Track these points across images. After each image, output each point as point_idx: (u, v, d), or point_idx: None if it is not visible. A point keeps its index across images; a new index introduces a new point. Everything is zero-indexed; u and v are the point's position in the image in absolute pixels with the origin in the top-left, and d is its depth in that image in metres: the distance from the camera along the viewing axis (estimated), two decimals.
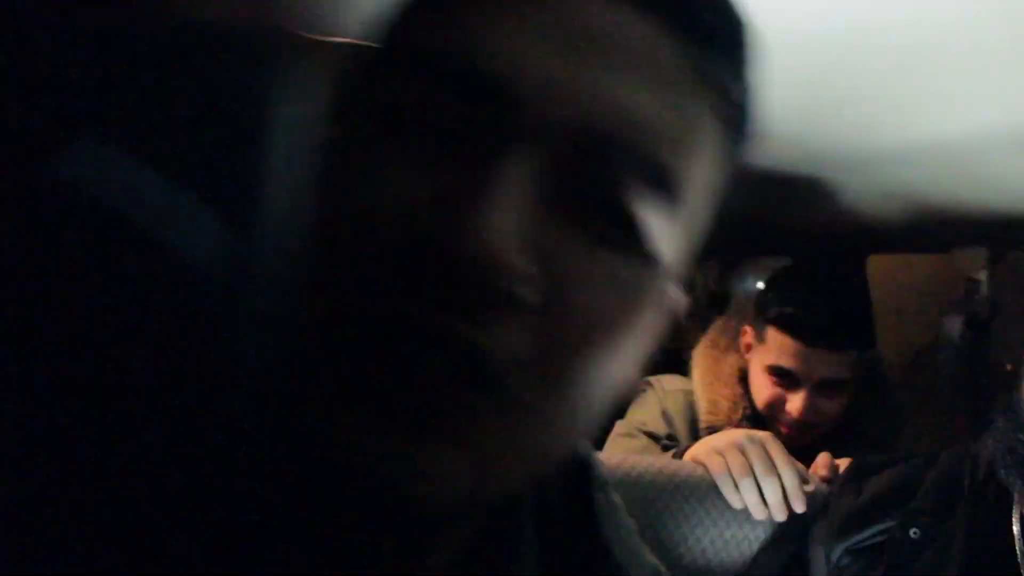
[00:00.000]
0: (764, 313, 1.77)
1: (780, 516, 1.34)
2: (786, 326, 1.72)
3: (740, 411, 1.80)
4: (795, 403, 1.72)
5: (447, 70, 0.47)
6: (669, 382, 1.92)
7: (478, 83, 0.46)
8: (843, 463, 1.49)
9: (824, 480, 1.45)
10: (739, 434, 1.43)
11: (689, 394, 1.89)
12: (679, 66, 0.49)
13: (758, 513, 1.36)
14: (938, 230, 1.80)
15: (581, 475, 0.65)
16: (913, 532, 1.22)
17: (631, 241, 0.48)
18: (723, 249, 2.32)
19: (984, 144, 1.35)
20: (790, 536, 1.37)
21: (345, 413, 0.44)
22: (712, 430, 1.73)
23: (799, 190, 1.83)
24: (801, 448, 1.62)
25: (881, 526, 1.25)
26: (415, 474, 0.44)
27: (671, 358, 1.98)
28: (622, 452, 1.76)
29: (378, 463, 0.44)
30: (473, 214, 0.43)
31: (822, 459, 1.50)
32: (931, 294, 2.04)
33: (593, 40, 0.47)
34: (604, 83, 0.47)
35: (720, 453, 1.40)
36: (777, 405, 1.75)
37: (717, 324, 1.98)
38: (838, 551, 1.27)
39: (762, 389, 1.77)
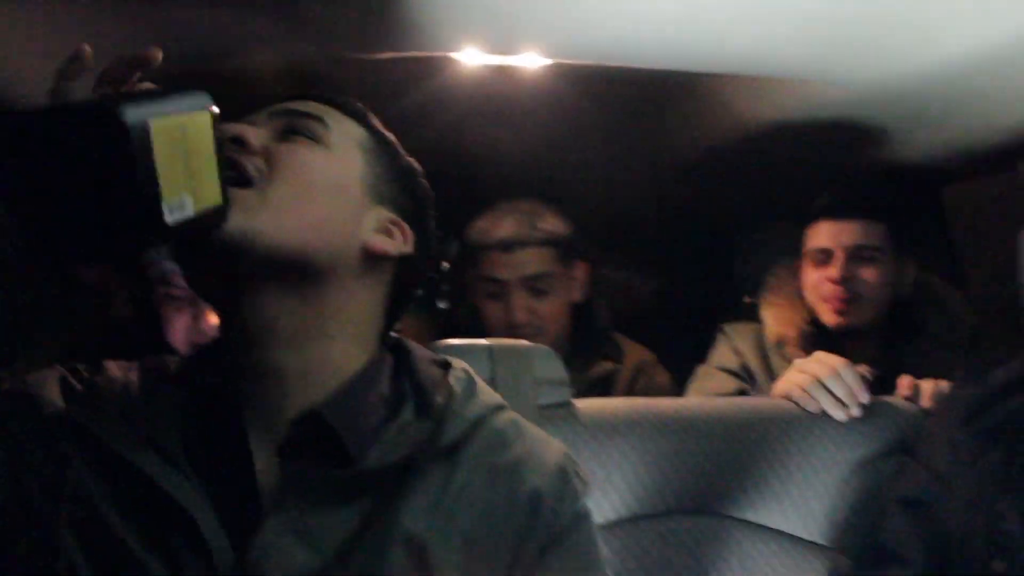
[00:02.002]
0: (809, 215, 2.00)
1: (855, 410, 1.48)
2: (819, 212, 1.97)
3: (801, 316, 1.99)
4: (832, 271, 1.92)
5: None
6: (738, 326, 2.10)
7: None
8: (926, 384, 1.56)
9: (907, 398, 1.58)
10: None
11: (756, 329, 2.06)
12: None
13: (836, 413, 1.49)
14: (1003, 148, 1.80)
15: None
16: None
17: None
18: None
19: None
20: (888, 448, 1.49)
21: None
22: (780, 343, 1.97)
23: (864, 132, 1.86)
24: (860, 338, 1.91)
25: (1006, 406, 1.32)
26: None
27: None
28: (703, 391, 1.95)
29: None
30: None
31: (903, 380, 1.62)
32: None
33: None
34: None
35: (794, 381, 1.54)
36: (822, 284, 1.94)
37: (777, 268, 2.15)
38: (959, 436, 1.33)
39: (809, 275, 1.98)
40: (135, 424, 0.87)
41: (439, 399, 0.94)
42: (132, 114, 0.69)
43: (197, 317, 1.68)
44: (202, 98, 0.80)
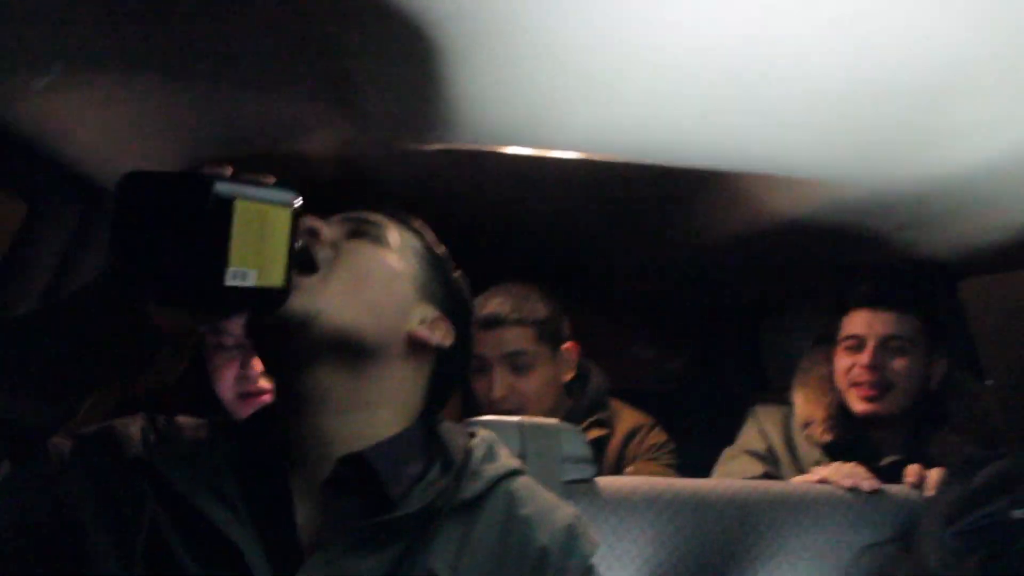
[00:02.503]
0: (845, 303, 2.07)
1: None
2: (855, 300, 2.05)
3: (830, 400, 2.05)
4: (864, 357, 1.98)
5: None
6: (767, 408, 2.16)
7: None
8: (933, 474, 1.61)
9: (913, 485, 1.65)
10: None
11: (785, 412, 2.12)
12: None
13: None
14: (1017, 246, 1.87)
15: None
16: (1019, 513, 1.31)
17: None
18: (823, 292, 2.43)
19: None
20: (891, 535, 1.55)
21: None
22: (807, 424, 2.03)
23: (881, 228, 1.94)
24: (886, 427, 1.97)
25: (989, 509, 1.35)
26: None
27: None
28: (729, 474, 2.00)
29: None
30: None
31: (912, 468, 1.69)
32: None
33: None
34: None
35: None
36: (853, 371, 1.99)
37: (811, 352, 2.19)
38: (947, 534, 1.36)
39: (841, 361, 2.03)
40: (201, 473, 0.99)
41: (459, 457, 1.06)
42: (222, 189, 0.84)
43: (245, 365, 1.77)
44: (290, 194, 0.93)
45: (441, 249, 1.16)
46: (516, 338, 2.02)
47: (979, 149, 1.45)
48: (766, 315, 2.92)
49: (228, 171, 0.89)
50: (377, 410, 1.04)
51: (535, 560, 1.00)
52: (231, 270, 0.85)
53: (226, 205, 0.85)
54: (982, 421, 2.03)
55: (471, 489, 1.03)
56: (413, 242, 1.13)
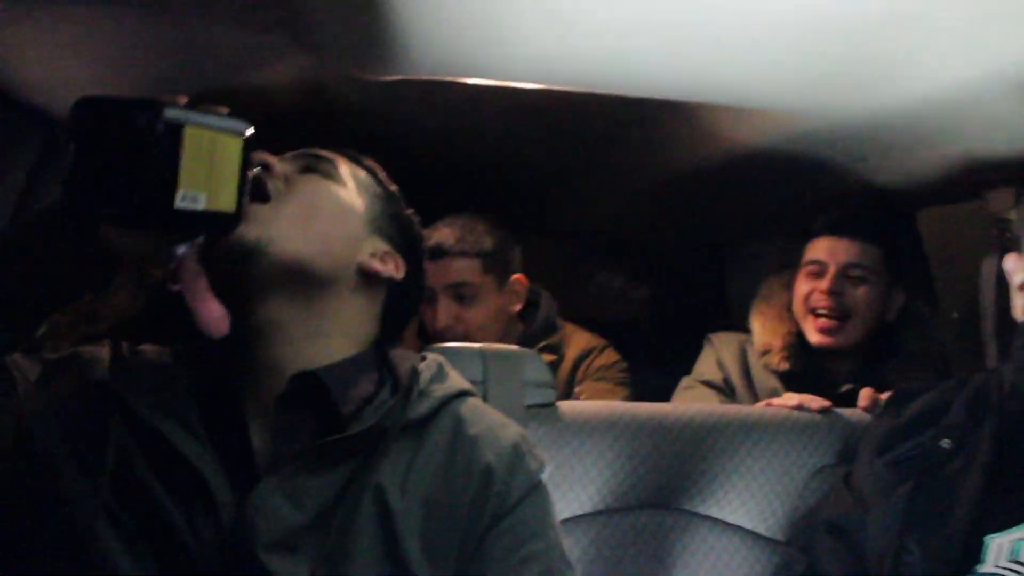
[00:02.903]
0: (809, 230, 2.09)
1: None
2: (820, 227, 2.06)
3: (788, 328, 2.07)
4: (824, 283, 2.00)
5: None
6: (723, 336, 2.19)
7: None
8: (884, 397, 1.64)
9: (865, 409, 1.68)
10: None
11: (742, 341, 2.15)
12: None
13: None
14: (972, 176, 1.90)
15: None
16: (944, 443, 1.35)
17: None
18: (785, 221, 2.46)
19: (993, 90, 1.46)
20: (842, 458, 1.60)
21: None
22: (764, 352, 2.05)
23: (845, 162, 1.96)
24: (842, 357, 2.01)
25: (917, 439, 1.38)
26: None
27: None
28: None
29: None
30: None
31: (865, 392, 1.71)
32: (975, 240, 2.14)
33: None
34: None
35: None
36: (812, 297, 2.01)
37: (770, 280, 2.23)
38: (879, 464, 1.40)
39: (801, 288, 2.05)
40: (164, 398, 1.02)
41: (407, 378, 1.09)
42: (173, 114, 0.86)
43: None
44: (242, 124, 0.95)
45: (393, 187, 1.19)
46: (460, 269, 2.05)
47: (934, 79, 1.47)
48: (730, 245, 2.95)
49: (182, 100, 0.90)
50: (330, 339, 1.08)
51: (480, 478, 1.04)
52: (181, 192, 0.87)
53: (176, 130, 0.86)
54: (936, 353, 2.08)
55: (420, 409, 1.07)
56: (365, 179, 1.16)
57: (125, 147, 0.85)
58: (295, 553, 0.96)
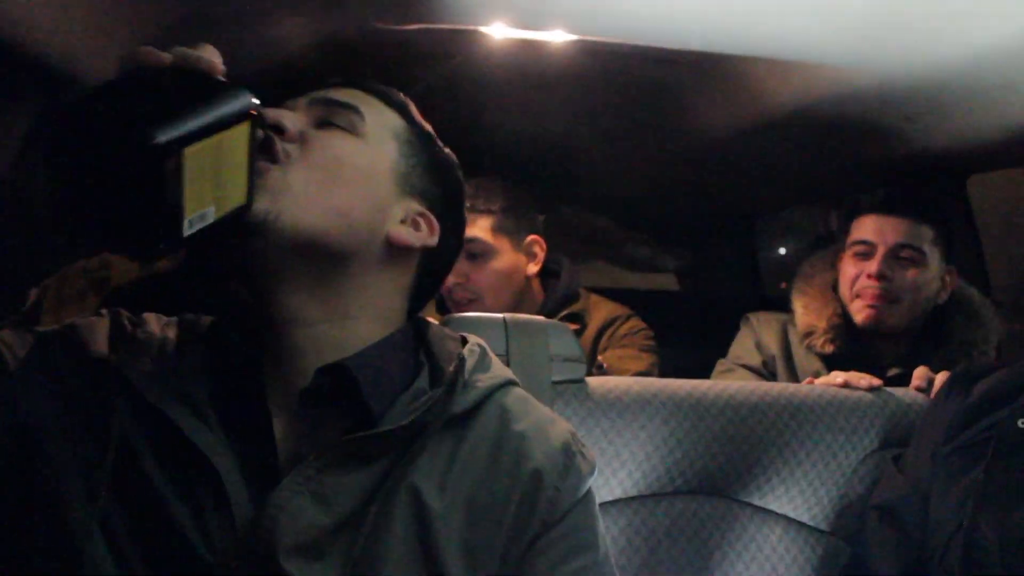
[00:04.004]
0: (853, 209, 1.98)
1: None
2: (867, 206, 1.95)
3: (832, 309, 1.97)
4: (872, 266, 1.89)
5: None
6: (763, 315, 2.09)
7: None
8: (940, 377, 1.57)
9: (919, 389, 1.59)
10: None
11: (782, 320, 2.05)
12: None
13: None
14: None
15: None
16: (1021, 422, 1.26)
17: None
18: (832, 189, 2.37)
19: None
20: (890, 441, 1.50)
21: None
22: (808, 334, 1.96)
23: (889, 119, 1.85)
24: (890, 340, 1.92)
25: (991, 419, 1.30)
26: None
27: None
28: None
29: None
30: None
31: (920, 370, 1.62)
32: None
33: None
34: None
35: None
36: (859, 280, 1.91)
37: (812, 257, 2.12)
38: (946, 449, 1.32)
39: (847, 270, 1.95)
40: (168, 378, 0.90)
41: (451, 369, 0.96)
42: (166, 138, 0.71)
43: None
44: (244, 99, 0.81)
45: (427, 126, 1.04)
46: (470, 226, 1.94)
47: (994, 30, 1.37)
48: (762, 215, 2.85)
49: (167, 58, 0.78)
50: (357, 321, 0.95)
51: (529, 480, 0.92)
52: (188, 220, 0.75)
53: (175, 155, 0.73)
54: (985, 338, 1.96)
55: (463, 402, 0.94)
56: (393, 122, 1.01)
57: (120, 183, 0.72)
58: (321, 559, 0.85)
